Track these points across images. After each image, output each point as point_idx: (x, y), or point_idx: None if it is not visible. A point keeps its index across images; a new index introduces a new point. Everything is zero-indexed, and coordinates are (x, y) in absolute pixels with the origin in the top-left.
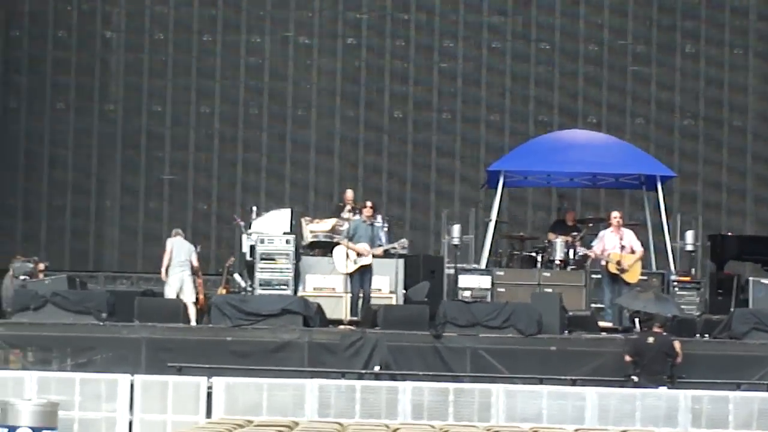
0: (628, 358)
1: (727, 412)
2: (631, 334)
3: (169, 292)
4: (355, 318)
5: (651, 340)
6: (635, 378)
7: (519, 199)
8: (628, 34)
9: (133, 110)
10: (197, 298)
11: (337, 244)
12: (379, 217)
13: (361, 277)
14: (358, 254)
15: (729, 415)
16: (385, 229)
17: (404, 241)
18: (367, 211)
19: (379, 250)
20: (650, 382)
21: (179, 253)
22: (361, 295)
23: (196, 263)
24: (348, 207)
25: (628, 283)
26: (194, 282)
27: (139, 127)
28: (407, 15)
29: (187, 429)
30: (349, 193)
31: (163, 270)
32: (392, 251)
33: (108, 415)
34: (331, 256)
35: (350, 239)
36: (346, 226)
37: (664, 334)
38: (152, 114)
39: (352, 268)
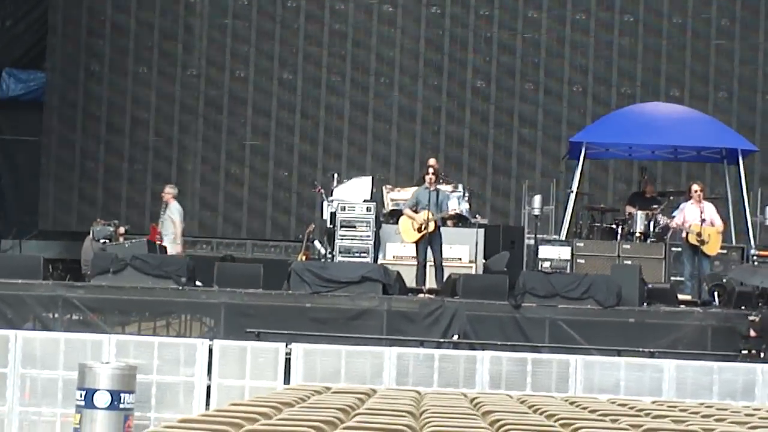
0: (753, 333)
1: None
2: (756, 312)
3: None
4: (434, 286)
5: None
6: (762, 354)
7: (600, 171)
8: (712, 7)
9: (215, 75)
10: None
11: (401, 213)
12: (451, 186)
13: (428, 245)
14: (420, 222)
15: None
16: (466, 197)
17: (457, 208)
18: (429, 178)
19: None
20: None
21: None
22: (431, 263)
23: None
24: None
25: (707, 256)
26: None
27: (222, 92)
28: None
29: (265, 395)
30: (432, 161)
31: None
32: (447, 218)
33: (186, 380)
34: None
35: (413, 207)
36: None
37: None
38: (234, 79)
39: (415, 236)
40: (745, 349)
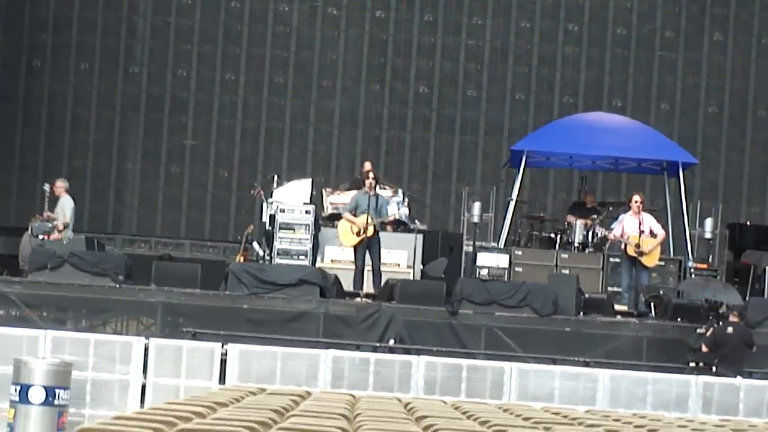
0: (705, 348)
1: (738, 399)
2: (706, 326)
3: None
4: (371, 291)
5: (731, 330)
6: (715, 368)
7: (540, 180)
8: (656, 19)
9: (157, 74)
10: None
11: (340, 217)
12: (390, 191)
13: (367, 249)
14: (360, 227)
15: (739, 403)
16: (406, 203)
17: (396, 213)
18: (369, 182)
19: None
20: (731, 372)
21: None
22: (369, 268)
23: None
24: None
25: (646, 267)
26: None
27: (163, 92)
28: None
29: (200, 394)
30: (367, 165)
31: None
32: (386, 223)
33: (121, 377)
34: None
35: (353, 211)
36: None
37: (742, 323)
38: (177, 78)
39: (354, 240)
40: (693, 362)
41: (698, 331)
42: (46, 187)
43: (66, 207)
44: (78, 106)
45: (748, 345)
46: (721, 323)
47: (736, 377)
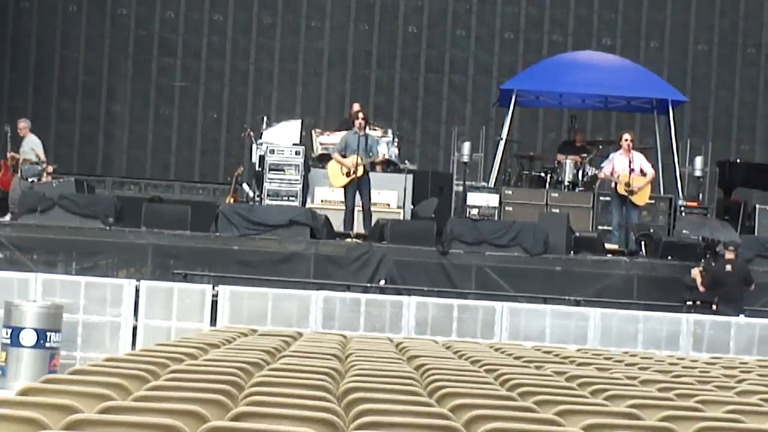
0: (702, 288)
1: (729, 337)
2: (703, 264)
3: None
4: (361, 231)
5: (729, 267)
6: (714, 306)
7: (530, 119)
8: None
9: (145, 16)
10: None
11: (330, 157)
12: (380, 131)
13: (357, 190)
14: (349, 167)
15: (730, 341)
16: (396, 143)
17: (386, 153)
18: (359, 123)
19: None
20: (732, 310)
21: None
22: (359, 208)
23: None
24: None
25: (636, 206)
26: None
27: (152, 33)
28: None
29: (191, 336)
30: (356, 106)
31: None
32: (374, 164)
33: (112, 320)
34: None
35: (342, 152)
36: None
37: (740, 260)
38: (164, 20)
39: (344, 181)
40: (690, 300)
41: (693, 270)
42: (8, 128)
43: (36, 146)
44: (66, 48)
45: (747, 282)
46: (717, 261)
47: (738, 315)
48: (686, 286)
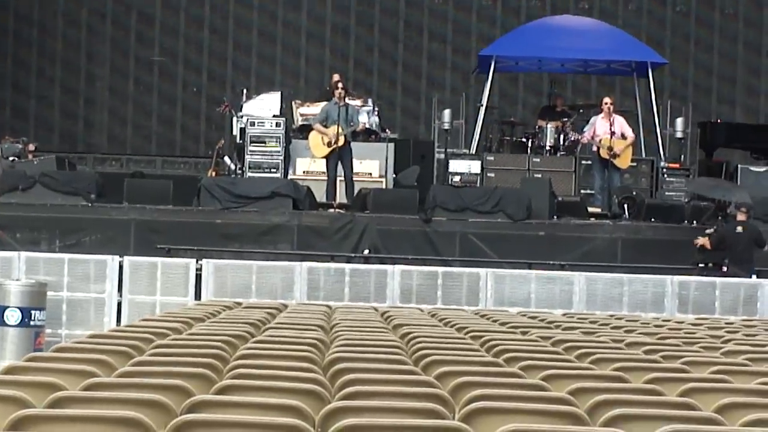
0: (708, 246)
1: (714, 297)
2: (715, 226)
3: None
4: (344, 201)
5: (740, 229)
6: (725, 267)
7: (510, 85)
8: None
9: None
10: None
11: (310, 128)
12: (360, 100)
13: (339, 160)
14: (330, 137)
15: (715, 301)
16: (376, 112)
17: (366, 123)
18: (338, 93)
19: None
20: (742, 271)
21: None
22: (341, 178)
23: None
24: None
25: (618, 169)
26: None
27: (129, 7)
28: None
29: (176, 310)
30: (336, 77)
31: None
32: (356, 133)
33: (97, 296)
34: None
35: (323, 122)
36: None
37: (751, 221)
38: None
39: (325, 151)
40: (701, 262)
41: (707, 231)
42: None
43: None
44: (43, 26)
45: (758, 243)
46: (728, 222)
47: (749, 276)
48: (697, 249)
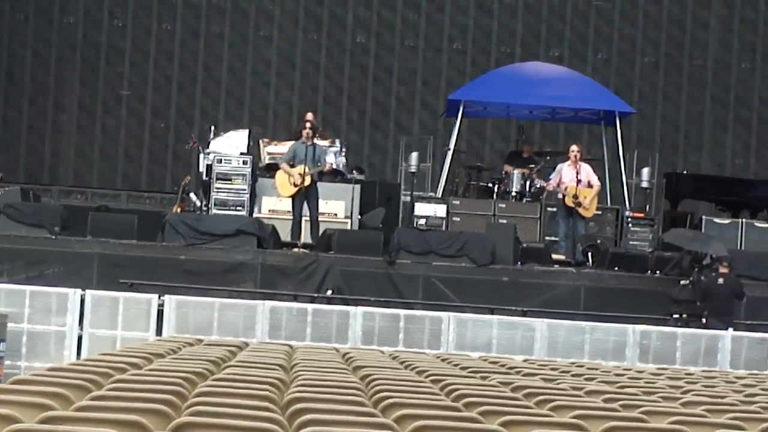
0: (697, 303)
1: (675, 348)
2: (691, 278)
3: None
4: (309, 241)
5: (721, 281)
6: (704, 320)
7: (478, 130)
8: None
9: (92, 24)
10: None
11: (277, 167)
12: (327, 141)
13: (304, 199)
14: (297, 177)
15: (676, 351)
16: (343, 152)
17: (333, 163)
18: (306, 133)
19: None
20: (721, 323)
21: None
22: (307, 218)
23: None
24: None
25: (583, 217)
26: None
27: (99, 42)
28: None
29: (136, 345)
30: (309, 116)
31: None
32: (322, 174)
33: (57, 329)
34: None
35: (290, 161)
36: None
37: (732, 275)
38: (112, 29)
39: (291, 191)
40: (677, 314)
41: (682, 282)
42: None
43: None
44: (12, 57)
45: (739, 296)
46: (707, 275)
47: (726, 329)
48: (673, 300)
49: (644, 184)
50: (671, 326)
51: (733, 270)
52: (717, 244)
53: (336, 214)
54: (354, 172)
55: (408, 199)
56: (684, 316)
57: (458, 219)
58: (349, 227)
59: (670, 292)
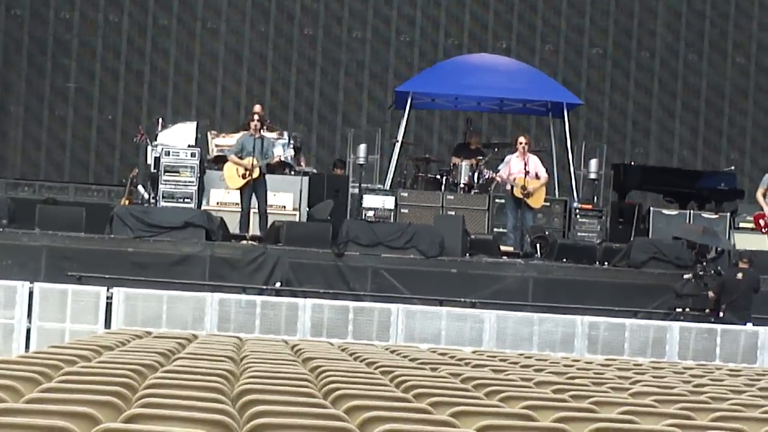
0: (711, 294)
1: (623, 339)
2: (693, 273)
3: None
4: (257, 233)
5: (740, 276)
6: (721, 314)
7: (426, 122)
8: None
9: (40, 16)
10: None
11: (225, 159)
12: (275, 133)
13: (253, 192)
14: (245, 169)
15: (624, 342)
16: (291, 145)
17: (281, 155)
18: (254, 125)
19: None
20: (738, 319)
21: None
22: (255, 210)
23: None
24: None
25: (531, 208)
26: None
27: (46, 34)
28: None
29: (85, 338)
30: (257, 108)
31: None
32: (273, 163)
33: (6, 322)
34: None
35: (238, 154)
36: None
37: (751, 270)
38: (60, 21)
39: (239, 183)
40: (679, 308)
41: (685, 277)
42: None
43: None
44: None
45: (756, 291)
46: (726, 270)
47: (745, 324)
48: (676, 294)
49: (592, 176)
50: (673, 320)
51: (753, 265)
52: (725, 239)
53: (284, 206)
54: (302, 164)
55: (356, 191)
56: (687, 310)
57: (407, 211)
58: (297, 219)
59: (673, 286)
